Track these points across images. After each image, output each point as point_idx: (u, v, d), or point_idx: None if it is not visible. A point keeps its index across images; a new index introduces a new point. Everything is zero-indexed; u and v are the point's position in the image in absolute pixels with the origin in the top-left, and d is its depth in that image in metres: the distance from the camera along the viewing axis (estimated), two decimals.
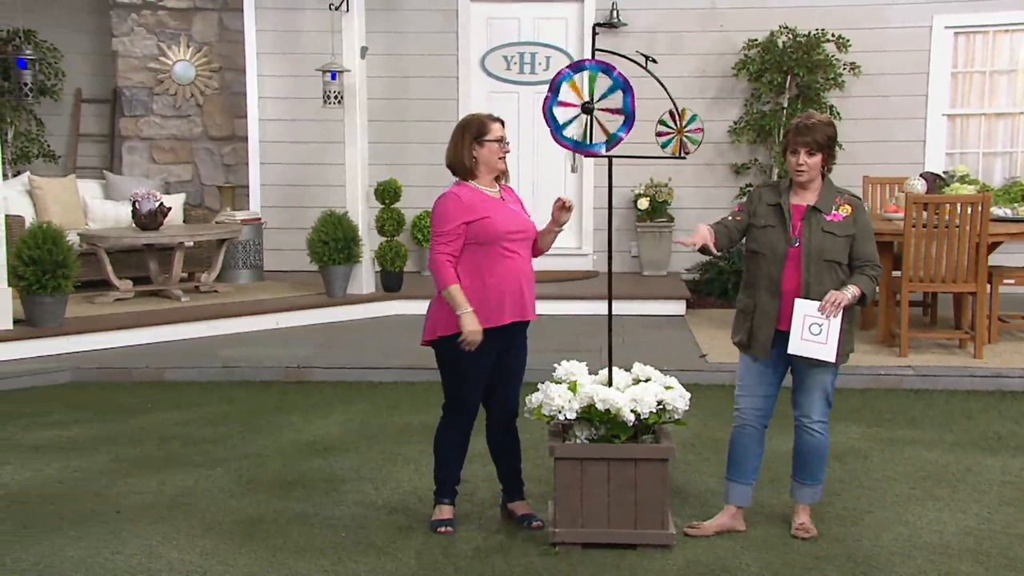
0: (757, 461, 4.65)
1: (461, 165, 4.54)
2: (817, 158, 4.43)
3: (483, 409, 4.72)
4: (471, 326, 4.41)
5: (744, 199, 4.64)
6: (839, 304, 4.33)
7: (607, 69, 4.51)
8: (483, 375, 4.57)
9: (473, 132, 4.53)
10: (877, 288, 4.47)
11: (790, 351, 4.41)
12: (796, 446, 4.62)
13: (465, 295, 4.43)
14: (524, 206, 4.73)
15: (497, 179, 4.61)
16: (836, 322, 4.34)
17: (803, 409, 4.55)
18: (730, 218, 4.62)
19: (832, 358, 4.38)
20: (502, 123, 4.58)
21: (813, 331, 4.35)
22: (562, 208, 4.53)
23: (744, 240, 4.61)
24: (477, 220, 4.44)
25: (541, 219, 4.60)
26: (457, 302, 4.43)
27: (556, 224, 4.59)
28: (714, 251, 4.46)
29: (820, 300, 4.37)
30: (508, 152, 4.60)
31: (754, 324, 4.52)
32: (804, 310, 4.36)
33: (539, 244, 4.67)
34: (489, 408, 4.71)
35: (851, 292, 4.38)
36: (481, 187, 4.54)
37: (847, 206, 4.45)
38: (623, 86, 4.49)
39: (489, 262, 4.45)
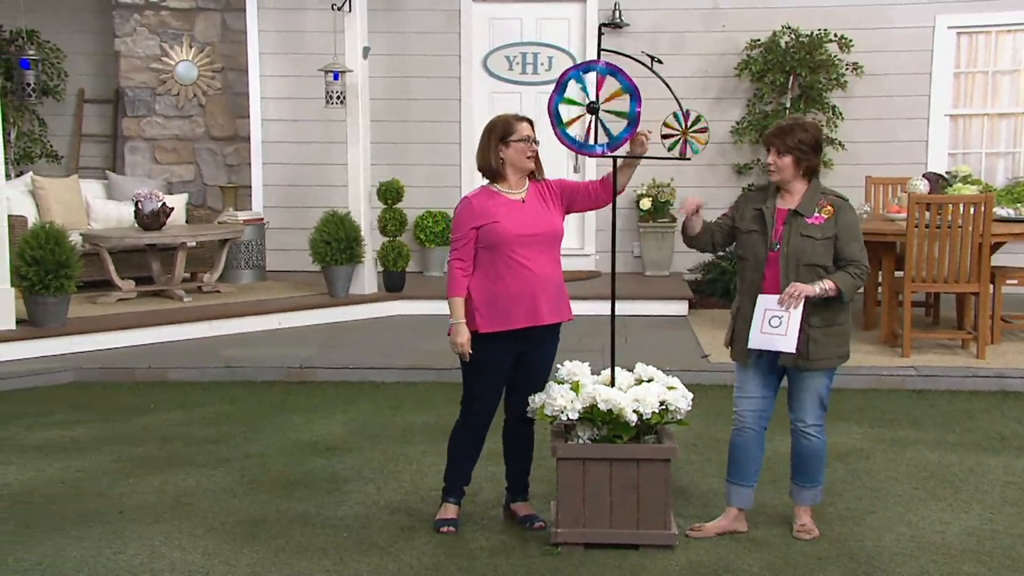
0: (758, 463, 4.65)
1: (489, 167, 4.55)
2: (787, 159, 4.42)
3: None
4: (456, 337, 4.45)
5: (734, 203, 4.67)
6: (799, 296, 4.32)
7: (615, 72, 4.51)
8: (500, 375, 4.57)
9: (499, 133, 4.52)
10: (859, 287, 4.44)
11: (750, 346, 4.42)
12: (793, 450, 4.63)
13: (480, 297, 4.45)
14: (564, 188, 4.63)
15: (532, 176, 4.59)
16: (796, 313, 4.33)
17: (798, 413, 4.56)
18: (715, 220, 4.66)
19: (792, 348, 4.36)
20: (530, 122, 4.56)
21: (772, 324, 4.36)
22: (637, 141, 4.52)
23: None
24: (486, 224, 4.44)
25: None
26: (452, 312, 4.48)
27: (628, 164, 4.59)
28: (694, 224, 4.62)
29: (803, 309, 4.38)
30: (536, 150, 4.56)
31: (736, 328, 4.57)
32: (764, 304, 4.38)
33: (618, 182, 4.61)
34: (508, 406, 4.72)
35: (820, 285, 4.34)
36: (504, 190, 4.53)
37: (829, 207, 4.43)
38: (631, 91, 4.49)
39: (500, 266, 4.46)
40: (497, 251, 4.45)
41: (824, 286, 4.35)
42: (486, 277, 4.47)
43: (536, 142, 4.56)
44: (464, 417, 4.68)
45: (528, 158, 4.52)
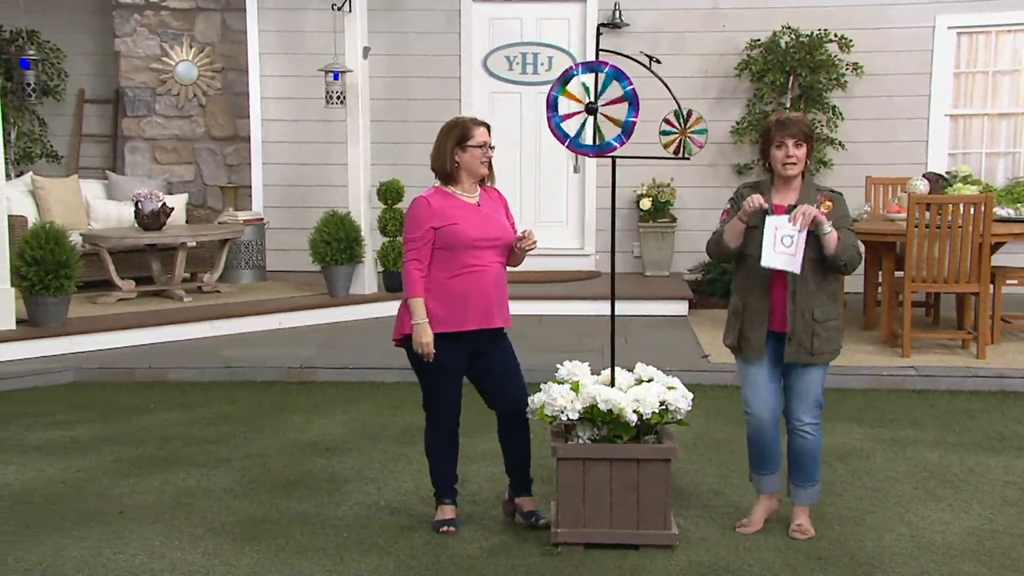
0: (778, 450, 4.68)
1: (443, 169, 4.55)
2: (804, 149, 4.44)
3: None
4: (420, 337, 4.45)
5: (728, 206, 4.62)
6: (809, 216, 4.32)
7: (594, 67, 4.50)
8: (455, 375, 4.58)
9: (456, 137, 4.53)
10: (853, 259, 4.45)
11: (763, 264, 4.36)
12: (790, 449, 4.62)
13: (432, 298, 4.45)
14: (508, 209, 4.70)
15: (482, 182, 4.60)
16: (803, 236, 4.33)
17: (794, 413, 4.55)
18: (721, 227, 4.59)
19: (798, 270, 4.35)
20: (487, 127, 4.57)
21: (785, 243, 4.34)
22: (520, 240, 4.53)
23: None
24: (445, 226, 4.45)
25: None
26: (414, 312, 4.47)
27: (515, 257, 4.62)
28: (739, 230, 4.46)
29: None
30: (491, 156, 4.57)
31: (744, 326, 4.54)
32: (775, 223, 4.35)
33: (509, 259, 4.67)
34: (495, 405, 4.72)
35: (828, 225, 4.35)
36: (458, 192, 4.54)
37: (828, 202, 4.47)
38: (616, 76, 4.46)
39: (455, 268, 4.46)
40: (454, 253, 4.45)
41: (831, 230, 4.36)
42: (442, 278, 4.47)
43: (492, 148, 4.56)
44: (431, 420, 4.68)
45: (482, 163, 4.53)
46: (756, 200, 4.38)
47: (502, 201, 4.69)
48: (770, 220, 4.36)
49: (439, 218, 4.45)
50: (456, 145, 4.51)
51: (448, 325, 4.47)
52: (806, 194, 4.47)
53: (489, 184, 4.64)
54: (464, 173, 4.53)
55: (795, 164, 4.44)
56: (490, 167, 4.58)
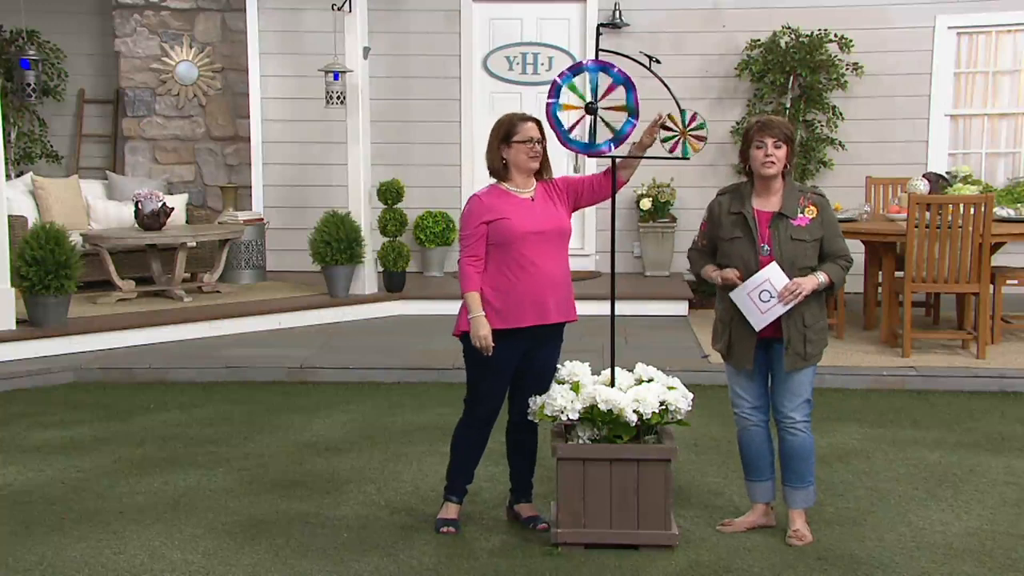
0: (770, 456, 4.67)
1: (494, 167, 4.57)
2: (783, 150, 4.44)
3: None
4: (478, 331, 4.44)
5: (706, 216, 4.64)
6: (799, 295, 4.34)
7: (606, 67, 4.52)
8: (506, 374, 4.57)
9: (502, 134, 4.53)
10: (844, 276, 4.49)
11: (758, 328, 4.41)
12: (781, 449, 4.60)
13: (490, 294, 4.45)
14: (570, 185, 4.64)
15: (538, 175, 4.58)
16: (782, 306, 4.37)
17: (784, 411, 4.53)
18: (698, 243, 4.65)
19: (760, 326, 4.40)
20: (537, 122, 4.54)
21: (763, 298, 4.38)
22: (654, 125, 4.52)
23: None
24: (496, 220, 4.45)
25: None
26: (470, 306, 4.47)
27: (640, 148, 4.58)
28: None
29: (799, 307, 4.38)
30: (539, 152, 4.54)
31: (733, 335, 4.55)
32: (747, 289, 4.38)
33: (620, 175, 4.64)
34: (512, 406, 4.71)
35: (820, 278, 4.39)
36: (512, 188, 4.53)
37: (812, 207, 4.45)
38: (624, 82, 4.50)
39: (511, 263, 4.46)
40: (508, 248, 4.46)
41: (822, 279, 4.39)
42: (498, 274, 4.47)
43: (539, 142, 4.54)
44: (468, 416, 4.68)
45: (531, 158, 4.52)
46: (730, 275, 4.43)
47: (559, 189, 4.62)
48: (735, 295, 4.42)
49: (490, 213, 4.46)
50: (502, 142, 4.52)
51: (507, 321, 4.46)
52: (788, 197, 4.46)
53: (546, 177, 4.61)
54: (514, 169, 4.53)
55: (774, 164, 4.44)
56: (545, 160, 4.57)
